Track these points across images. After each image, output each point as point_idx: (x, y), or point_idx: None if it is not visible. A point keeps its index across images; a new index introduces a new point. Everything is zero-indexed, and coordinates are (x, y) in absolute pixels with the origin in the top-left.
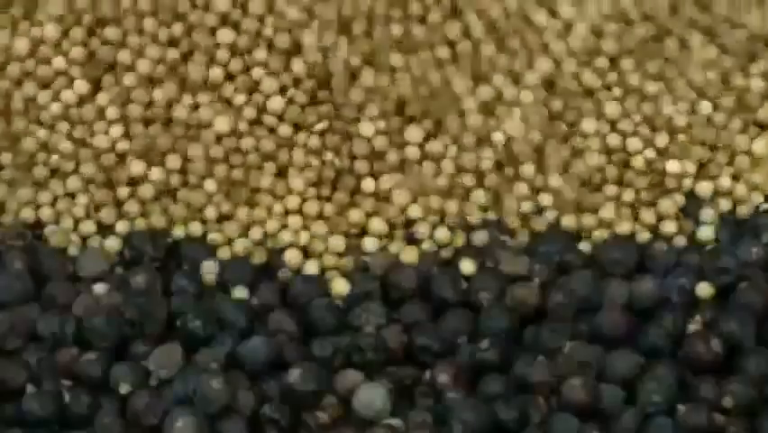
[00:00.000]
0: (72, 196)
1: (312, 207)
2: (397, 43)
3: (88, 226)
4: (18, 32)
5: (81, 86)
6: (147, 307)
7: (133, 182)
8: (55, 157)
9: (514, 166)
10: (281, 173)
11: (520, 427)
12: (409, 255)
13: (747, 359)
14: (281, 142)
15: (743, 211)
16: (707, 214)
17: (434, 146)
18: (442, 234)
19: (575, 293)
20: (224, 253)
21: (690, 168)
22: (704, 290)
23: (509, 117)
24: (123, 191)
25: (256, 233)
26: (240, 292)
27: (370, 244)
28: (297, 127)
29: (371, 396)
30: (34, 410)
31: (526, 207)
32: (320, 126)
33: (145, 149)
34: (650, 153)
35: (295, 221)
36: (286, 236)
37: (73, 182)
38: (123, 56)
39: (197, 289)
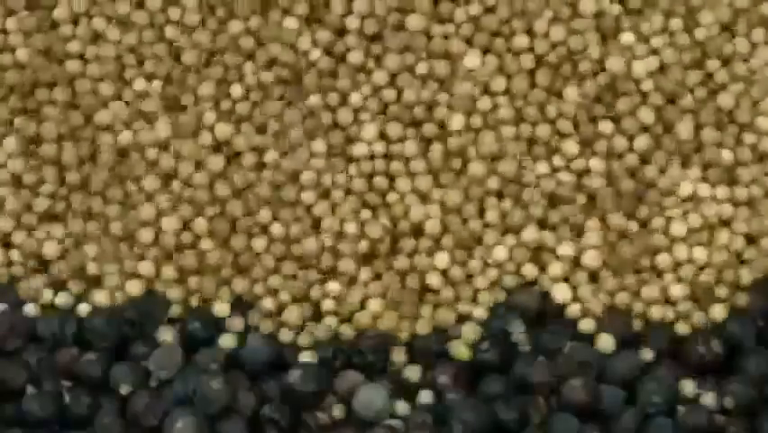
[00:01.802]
0: None
1: None
2: None
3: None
4: None
5: None
6: (147, 307)
7: None
8: None
9: None
10: None
11: (520, 427)
12: None
13: (747, 359)
14: None
15: None
16: None
17: None
18: None
19: None
20: None
21: None
22: None
23: None
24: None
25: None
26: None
27: None
28: None
29: (371, 396)
30: (34, 411)
31: None
32: None
33: None
34: None
35: None
36: None
37: None
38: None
39: None
